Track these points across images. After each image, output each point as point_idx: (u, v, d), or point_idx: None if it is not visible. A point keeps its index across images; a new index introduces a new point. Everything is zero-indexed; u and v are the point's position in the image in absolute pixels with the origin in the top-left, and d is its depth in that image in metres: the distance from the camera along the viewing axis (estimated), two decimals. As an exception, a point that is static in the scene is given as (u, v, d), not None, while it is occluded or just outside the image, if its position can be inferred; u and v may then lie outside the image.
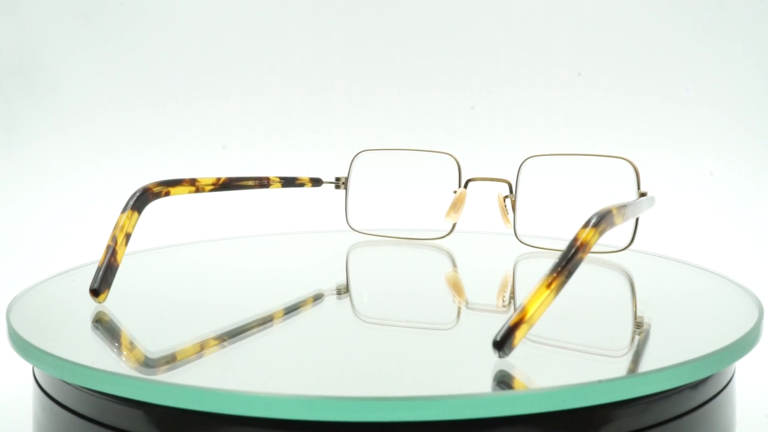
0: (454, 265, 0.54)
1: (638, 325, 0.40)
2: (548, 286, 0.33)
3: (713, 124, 0.83)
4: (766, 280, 0.65)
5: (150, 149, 0.86)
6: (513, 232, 0.53)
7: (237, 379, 0.33)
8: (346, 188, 0.59)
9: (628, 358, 0.36)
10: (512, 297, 0.45)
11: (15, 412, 0.48)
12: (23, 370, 0.45)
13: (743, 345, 0.36)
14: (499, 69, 0.86)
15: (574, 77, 0.85)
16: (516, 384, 0.32)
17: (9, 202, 0.83)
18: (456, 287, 0.49)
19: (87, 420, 0.34)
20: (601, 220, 0.36)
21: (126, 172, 0.84)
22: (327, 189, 0.60)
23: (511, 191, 0.53)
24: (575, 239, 0.35)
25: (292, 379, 0.33)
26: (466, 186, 0.54)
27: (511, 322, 0.32)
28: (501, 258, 0.56)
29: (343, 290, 0.48)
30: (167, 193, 0.49)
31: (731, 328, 0.37)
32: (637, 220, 0.49)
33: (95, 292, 0.42)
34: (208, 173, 0.84)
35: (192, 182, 0.51)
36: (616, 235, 0.47)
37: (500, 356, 0.32)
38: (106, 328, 0.40)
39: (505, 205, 0.53)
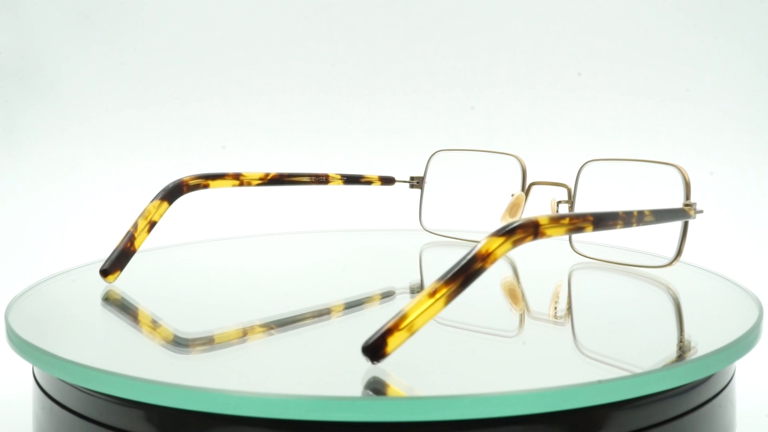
0: (514, 272, 0.51)
1: (681, 345, 0.38)
2: (432, 295, 0.32)
3: (713, 124, 0.83)
4: (766, 280, 0.65)
5: (150, 149, 0.86)
6: (568, 240, 0.50)
7: (260, 373, 0.33)
8: (421, 188, 0.57)
9: (628, 358, 0.36)
10: (569, 308, 0.44)
11: (15, 412, 0.48)
12: (23, 370, 0.45)
13: (743, 345, 0.36)
14: (498, 69, 0.85)
15: (574, 77, 0.85)
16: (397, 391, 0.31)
17: (9, 202, 0.83)
18: (513, 295, 0.47)
19: (87, 420, 0.34)
20: (515, 231, 0.34)
21: (126, 172, 0.84)
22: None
23: (569, 197, 0.49)
24: (478, 248, 0.33)
25: (314, 378, 0.33)
26: (528, 189, 0.52)
27: (385, 328, 0.31)
28: (554, 267, 0.52)
29: (417, 289, 0.47)
30: (206, 186, 0.49)
31: (731, 328, 0.37)
32: (682, 235, 0.46)
33: (104, 272, 0.43)
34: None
35: (236, 176, 0.50)
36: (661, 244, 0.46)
37: (373, 363, 0.31)
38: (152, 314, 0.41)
39: (558, 211, 0.50)
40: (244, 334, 0.38)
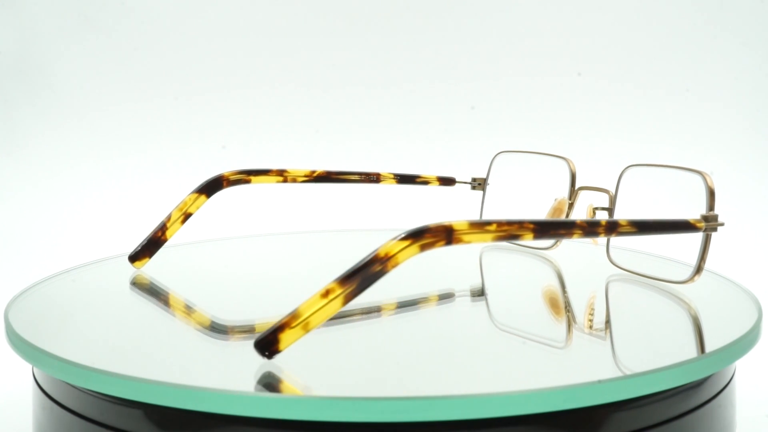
0: (560, 282, 0.49)
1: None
2: (325, 295, 0.32)
3: (713, 123, 0.83)
4: (766, 280, 0.65)
5: (150, 149, 0.86)
6: (605, 251, 0.47)
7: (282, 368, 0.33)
8: (483, 190, 0.55)
9: (628, 358, 0.36)
10: (607, 323, 0.41)
11: (15, 412, 0.48)
12: (23, 370, 0.45)
13: (743, 345, 0.36)
14: (499, 69, 0.85)
15: (574, 77, 0.85)
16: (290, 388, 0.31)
17: (9, 201, 0.82)
18: (554, 304, 0.46)
19: (87, 420, 0.34)
20: (422, 235, 0.32)
21: (126, 172, 0.84)
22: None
23: (610, 203, 0.46)
24: (377, 250, 0.32)
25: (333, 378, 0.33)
26: (575, 195, 0.49)
27: (277, 325, 0.32)
28: (592, 277, 0.50)
29: (477, 293, 0.45)
30: (247, 182, 0.49)
31: (731, 328, 0.37)
32: (702, 249, 0.43)
33: (132, 258, 0.46)
34: (207, 173, 0.84)
35: (280, 172, 0.50)
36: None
37: (265, 357, 0.32)
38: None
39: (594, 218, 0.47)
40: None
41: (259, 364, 0.33)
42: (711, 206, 0.42)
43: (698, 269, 0.43)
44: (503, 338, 0.39)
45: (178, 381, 0.31)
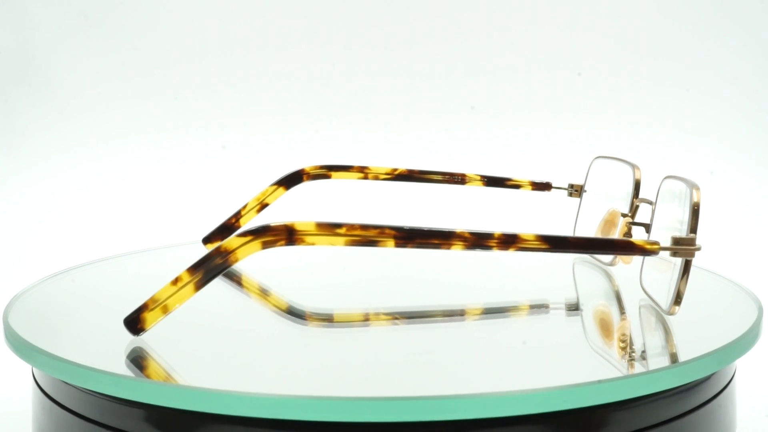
0: (616, 301, 0.46)
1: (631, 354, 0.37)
2: (175, 283, 0.34)
3: (713, 124, 0.83)
4: (766, 280, 0.65)
5: (150, 149, 0.86)
6: (639, 276, 0.41)
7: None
8: (580, 196, 0.51)
9: (628, 357, 0.36)
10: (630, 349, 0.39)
11: (15, 412, 0.48)
12: (23, 371, 0.45)
13: (743, 345, 0.36)
14: (499, 69, 0.85)
15: (574, 77, 0.85)
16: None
17: (9, 201, 0.83)
18: (605, 326, 0.43)
19: (87, 420, 0.34)
20: (264, 232, 0.33)
21: (126, 172, 0.84)
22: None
23: (651, 217, 0.40)
24: (221, 244, 0.34)
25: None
26: (635, 210, 0.44)
27: (140, 305, 0.35)
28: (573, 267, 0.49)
29: (573, 306, 0.43)
30: (327, 177, 0.50)
31: (731, 328, 0.37)
32: (680, 276, 0.36)
33: (205, 241, 0.48)
34: (207, 173, 0.84)
35: (361, 169, 0.50)
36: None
37: (134, 335, 0.35)
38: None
39: (627, 233, 0.42)
40: (366, 319, 0.39)
41: (260, 364, 0.33)
42: (693, 227, 0.36)
43: (676, 299, 0.37)
44: (503, 339, 0.39)
45: (179, 381, 0.31)
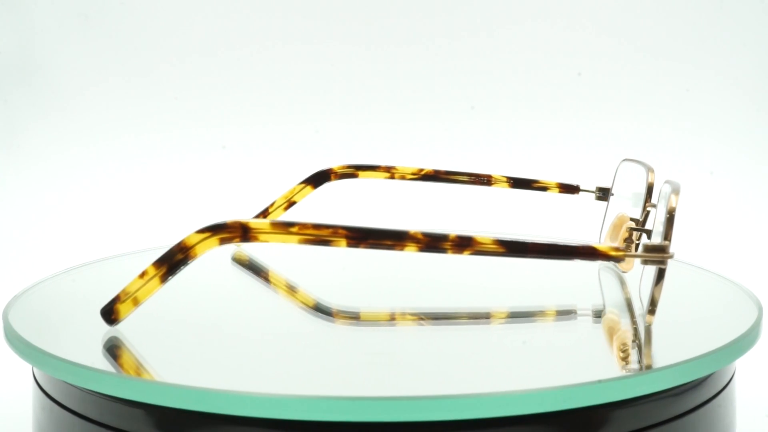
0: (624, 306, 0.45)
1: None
2: (142, 276, 0.36)
3: (713, 124, 0.83)
4: (766, 280, 0.65)
5: (150, 149, 0.86)
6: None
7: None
8: (607, 201, 0.49)
9: (628, 357, 0.36)
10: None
11: (15, 412, 0.48)
12: (23, 370, 0.45)
13: (743, 344, 0.36)
14: (499, 69, 0.85)
15: (574, 77, 0.85)
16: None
17: (9, 201, 0.83)
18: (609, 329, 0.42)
19: (87, 420, 0.34)
20: (221, 229, 0.35)
21: (126, 172, 0.84)
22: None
23: (642, 221, 0.40)
24: (181, 239, 0.35)
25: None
26: (645, 216, 0.43)
27: (114, 297, 0.36)
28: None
29: (599, 314, 0.42)
30: (354, 176, 0.50)
31: (730, 328, 0.37)
32: (653, 289, 0.35)
33: None
34: (207, 173, 0.84)
35: (388, 169, 0.50)
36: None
37: (109, 325, 0.36)
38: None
39: (629, 238, 0.41)
40: (392, 318, 0.39)
41: (266, 366, 0.33)
42: (667, 234, 0.34)
43: (650, 309, 0.35)
44: (503, 339, 0.39)
45: (179, 381, 0.31)
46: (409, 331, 0.39)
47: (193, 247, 0.35)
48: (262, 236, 0.34)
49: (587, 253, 0.35)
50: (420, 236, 0.34)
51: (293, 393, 0.30)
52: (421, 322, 0.39)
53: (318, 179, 0.50)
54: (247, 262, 0.47)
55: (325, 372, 0.34)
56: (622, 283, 0.46)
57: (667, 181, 0.37)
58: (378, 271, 0.48)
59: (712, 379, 0.36)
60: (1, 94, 0.85)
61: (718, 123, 0.82)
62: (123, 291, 0.36)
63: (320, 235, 0.34)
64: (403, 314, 0.40)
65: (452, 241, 0.34)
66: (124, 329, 0.38)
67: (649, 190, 0.43)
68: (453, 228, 0.56)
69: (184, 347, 0.37)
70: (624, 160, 0.48)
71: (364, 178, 0.50)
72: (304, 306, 0.43)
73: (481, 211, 0.78)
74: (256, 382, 0.33)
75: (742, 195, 0.80)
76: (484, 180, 0.50)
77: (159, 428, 0.32)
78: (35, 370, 0.38)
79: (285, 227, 0.34)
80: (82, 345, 0.37)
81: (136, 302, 0.36)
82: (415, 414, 0.29)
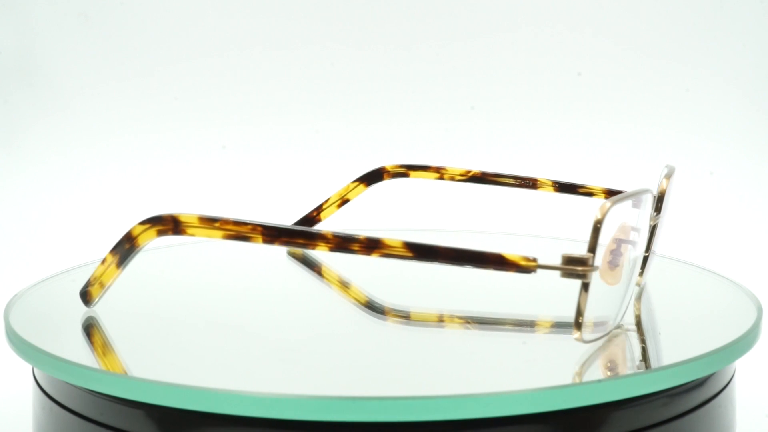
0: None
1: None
2: (103, 263, 0.39)
3: (713, 124, 0.83)
4: (766, 280, 0.65)
5: (150, 149, 0.86)
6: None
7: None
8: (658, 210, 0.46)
9: (628, 358, 0.36)
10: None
11: (15, 412, 0.48)
12: (23, 370, 0.45)
13: (743, 344, 0.36)
14: (499, 68, 0.85)
15: (574, 77, 0.85)
16: None
17: (9, 201, 0.83)
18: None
19: (87, 420, 0.34)
20: (158, 221, 0.37)
21: (126, 172, 0.84)
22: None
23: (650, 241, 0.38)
24: (128, 231, 0.38)
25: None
26: (654, 229, 0.42)
27: (87, 281, 0.39)
28: None
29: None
30: (405, 175, 0.51)
31: (730, 328, 0.37)
32: (577, 302, 0.33)
33: None
34: (207, 173, 0.84)
35: (438, 170, 0.51)
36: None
37: (87, 306, 0.39)
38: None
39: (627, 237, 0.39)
40: (441, 320, 0.39)
41: (269, 367, 0.33)
42: (591, 246, 0.32)
43: (576, 323, 0.33)
44: (502, 339, 0.39)
45: (179, 381, 0.31)
46: (453, 334, 0.39)
47: (136, 237, 0.37)
48: (190, 230, 0.36)
49: (496, 261, 0.33)
50: (330, 236, 0.35)
51: (293, 393, 0.30)
52: (467, 326, 0.39)
53: (371, 178, 0.51)
54: (301, 257, 0.48)
55: (335, 371, 0.34)
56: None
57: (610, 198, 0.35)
58: (431, 274, 0.47)
59: (712, 379, 0.36)
60: (2, 94, 0.85)
61: (718, 123, 0.82)
62: (92, 276, 0.39)
63: (239, 231, 0.35)
64: (452, 317, 0.40)
65: (361, 242, 0.34)
66: (130, 329, 0.38)
67: (659, 198, 0.42)
68: (495, 229, 0.58)
69: (215, 348, 0.37)
70: (665, 166, 0.46)
71: (415, 178, 0.51)
72: (356, 302, 0.44)
73: (526, 214, 0.78)
74: (257, 383, 0.33)
75: (742, 195, 0.80)
76: (529, 183, 0.50)
77: (159, 428, 0.32)
78: (35, 370, 0.38)
79: (210, 222, 0.36)
80: (82, 345, 0.37)
81: (102, 285, 0.39)
82: (415, 414, 0.29)
